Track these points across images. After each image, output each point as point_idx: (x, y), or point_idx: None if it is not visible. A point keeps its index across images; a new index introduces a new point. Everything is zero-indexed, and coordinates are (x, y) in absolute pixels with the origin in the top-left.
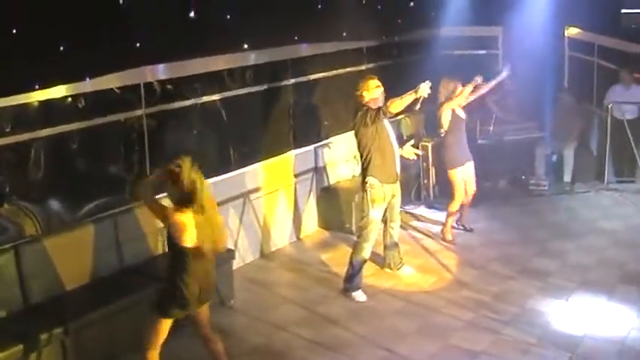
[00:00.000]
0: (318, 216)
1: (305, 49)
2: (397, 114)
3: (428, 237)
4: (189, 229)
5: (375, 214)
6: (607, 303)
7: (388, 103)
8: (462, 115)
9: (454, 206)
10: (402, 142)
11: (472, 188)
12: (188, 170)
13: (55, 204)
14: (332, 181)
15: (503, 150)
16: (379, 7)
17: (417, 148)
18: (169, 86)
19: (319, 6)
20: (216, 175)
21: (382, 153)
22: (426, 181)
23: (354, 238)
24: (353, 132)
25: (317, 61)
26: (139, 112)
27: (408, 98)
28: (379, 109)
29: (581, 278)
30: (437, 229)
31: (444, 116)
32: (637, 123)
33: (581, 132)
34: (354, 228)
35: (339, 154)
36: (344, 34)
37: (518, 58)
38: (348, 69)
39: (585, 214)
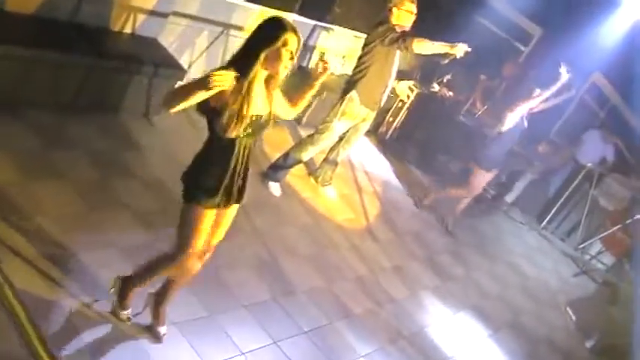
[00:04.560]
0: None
1: None
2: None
3: (365, 173)
4: None
5: (338, 126)
6: (479, 338)
7: (415, 41)
8: (525, 123)
9: (457, 192)
10: (401, 77)
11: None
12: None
13: None
14: (311, 66)
15: (474, 139)
16: None
17: None
18: None
19: None
20: None
21: (378, 77)
22: (391, 119)
23: (299, 129)
24: (364, 39)
25: None
26: None
27: (439, 47)
28: (404, 38)
29: (476, 301)
30: (379, 169)
31: (511, 116)
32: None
33: (548, 170)
34: (304, 120)
35: (333, 46)
36: None
37: (537, 69)
38: None
39: (510, 242)
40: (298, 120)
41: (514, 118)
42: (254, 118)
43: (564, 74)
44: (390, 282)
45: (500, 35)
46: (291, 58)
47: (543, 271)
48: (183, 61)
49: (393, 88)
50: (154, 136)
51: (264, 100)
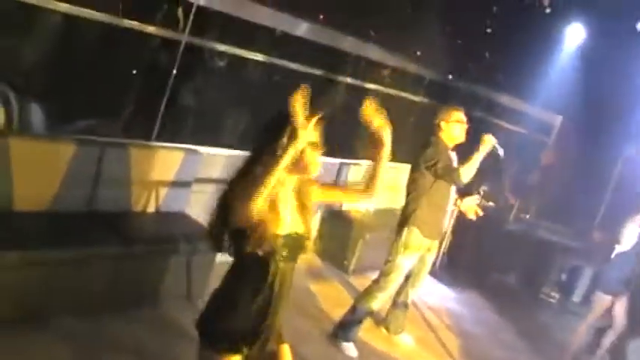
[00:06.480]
0: (317, 241)
1: (372, 51)
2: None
3: (430, 309)
4: None
5: (404, 261)
6: None
7: (460, 170)
8: None
9: (579, 333)
10: (464, 194)
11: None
12: None
13: (43, 103)
14: (343, 208)
15: (526, 244)
16: (459, 41)
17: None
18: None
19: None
20: (229, 148)
21: (432, 205)
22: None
23: (348, 278)
24: (411, 167)
25: (378, 70)
26: (179, 37)
27: (478, 157)
28: (452, 170)
29: None
30: (440, 301)
31: (629, 229)
32: None
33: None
34: (351, 268)
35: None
36: (418, 52)
37: (570, 156)
38: (403, 94)
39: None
40: (345, 269)
41: (633, 230)
42: (289, 236)
43: None
44: None
45: (520, 132)
46: (317, 147)
47: None
48: None
49: (458, 208)
50: None
51: (296, 214)
